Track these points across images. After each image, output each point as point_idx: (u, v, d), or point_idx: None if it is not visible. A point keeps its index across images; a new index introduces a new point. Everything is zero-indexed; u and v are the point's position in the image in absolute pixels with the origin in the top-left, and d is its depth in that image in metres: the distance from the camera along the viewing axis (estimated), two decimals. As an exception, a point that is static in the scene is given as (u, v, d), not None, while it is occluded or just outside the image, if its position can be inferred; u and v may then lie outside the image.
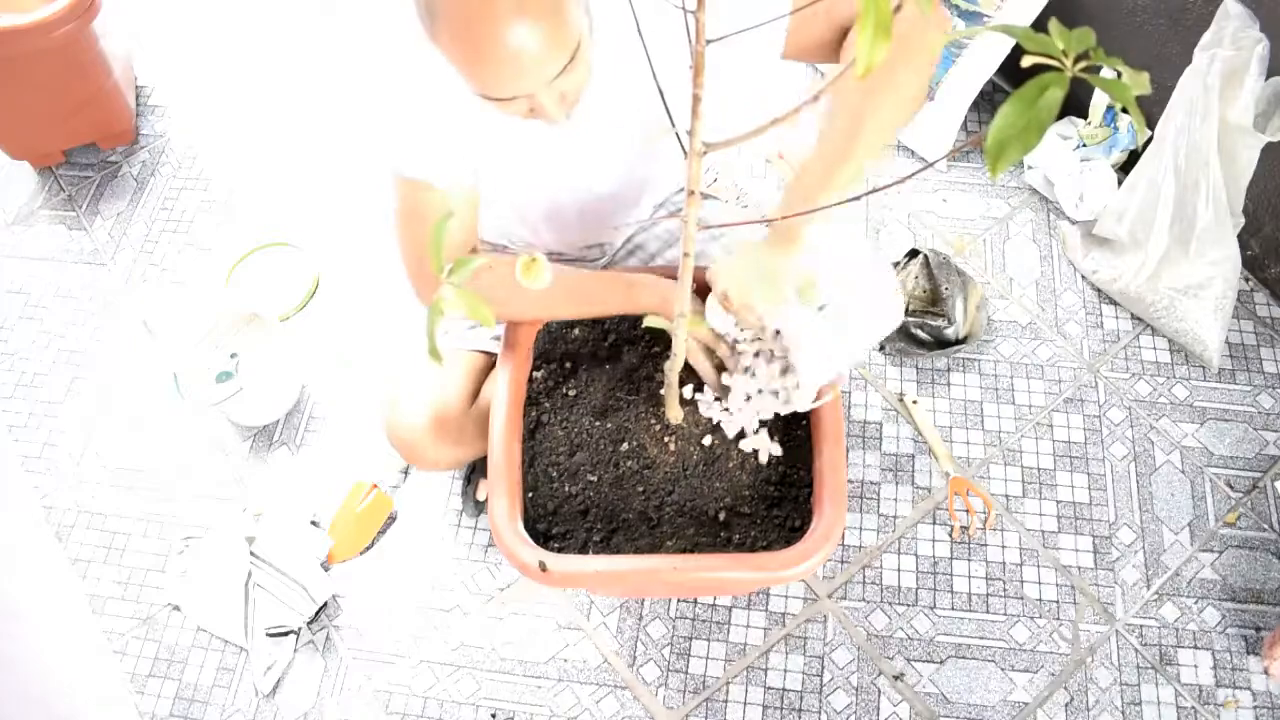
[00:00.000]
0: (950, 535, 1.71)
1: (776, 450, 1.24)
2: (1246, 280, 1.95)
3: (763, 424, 1.26)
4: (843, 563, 1.70)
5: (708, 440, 1.29)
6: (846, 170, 1.12)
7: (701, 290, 1.24)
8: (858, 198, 0.81)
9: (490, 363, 1.51)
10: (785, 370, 1.20)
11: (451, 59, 0.99)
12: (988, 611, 1.65)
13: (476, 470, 1.76)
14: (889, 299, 1.20)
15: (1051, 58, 0.48)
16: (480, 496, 1.74)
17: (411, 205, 1.22)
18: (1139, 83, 0.48)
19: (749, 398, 1.22)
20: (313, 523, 1.77)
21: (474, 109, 1.11)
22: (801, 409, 1.20)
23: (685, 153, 0.79)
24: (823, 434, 1.24)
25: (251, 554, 1.71)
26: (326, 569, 1.73)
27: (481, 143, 1.20)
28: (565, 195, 1.35)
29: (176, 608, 1.72)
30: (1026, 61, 0.49)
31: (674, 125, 0.86)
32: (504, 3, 0.93)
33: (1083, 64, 0.48)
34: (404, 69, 1.16)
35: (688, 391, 1.31)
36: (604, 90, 1.15)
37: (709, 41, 0.66)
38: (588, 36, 1.03)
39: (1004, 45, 1.99)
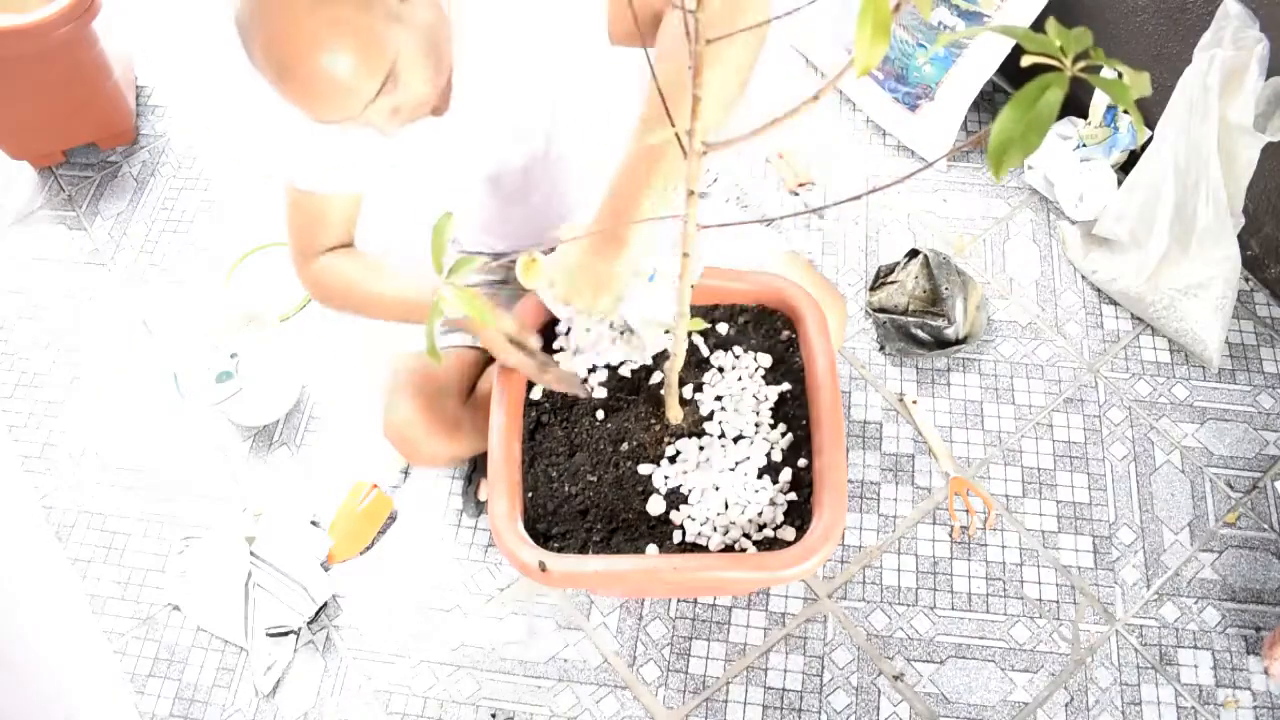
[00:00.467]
0: (950, 535, 1.71)
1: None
2: (1246, 280, 1.95)
3: (758, 427, 1.27)
4: (843, 563, 1.70)
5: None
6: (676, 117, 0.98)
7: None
8: (857, 197, 0.81)
9: (484, 357, 1.51)
10: (624, 331, 1.20)
11: (274, 87, 1.01)
12: (988, 611, 1.65)
13: (478, 470, 1.76)
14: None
15: (1051, 58, 0.48)
16: (482, 496, 1.74)
17: (294, 197, 1.31)
18: (1139, 83, 0.48)
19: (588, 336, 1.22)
20: (313, 523, 1.77)
21: None
22: (644, 360, 1.21)
23: (685, 153, 0.79)
24: (823, 434, 1.24)
25: (251, 554, 1.71)
26: (326, 569, 1.73)
27: (361, 148, 1.23)
28: (482, 194, 1.37)
29: (176, 608, 1.72)
30: (1026, 61, 0.49)
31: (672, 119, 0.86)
32: (303, 38, 0.95)
33: (1082, 64, 0.48)
34: None
35: (688, 391, 1.31)
36: (475, 79, 1.17)
37: (709, 41, 0.66)
38: (413, 53, 1.02)
39: (1004, 45, 1.99)
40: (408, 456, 1.49)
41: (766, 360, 1.34)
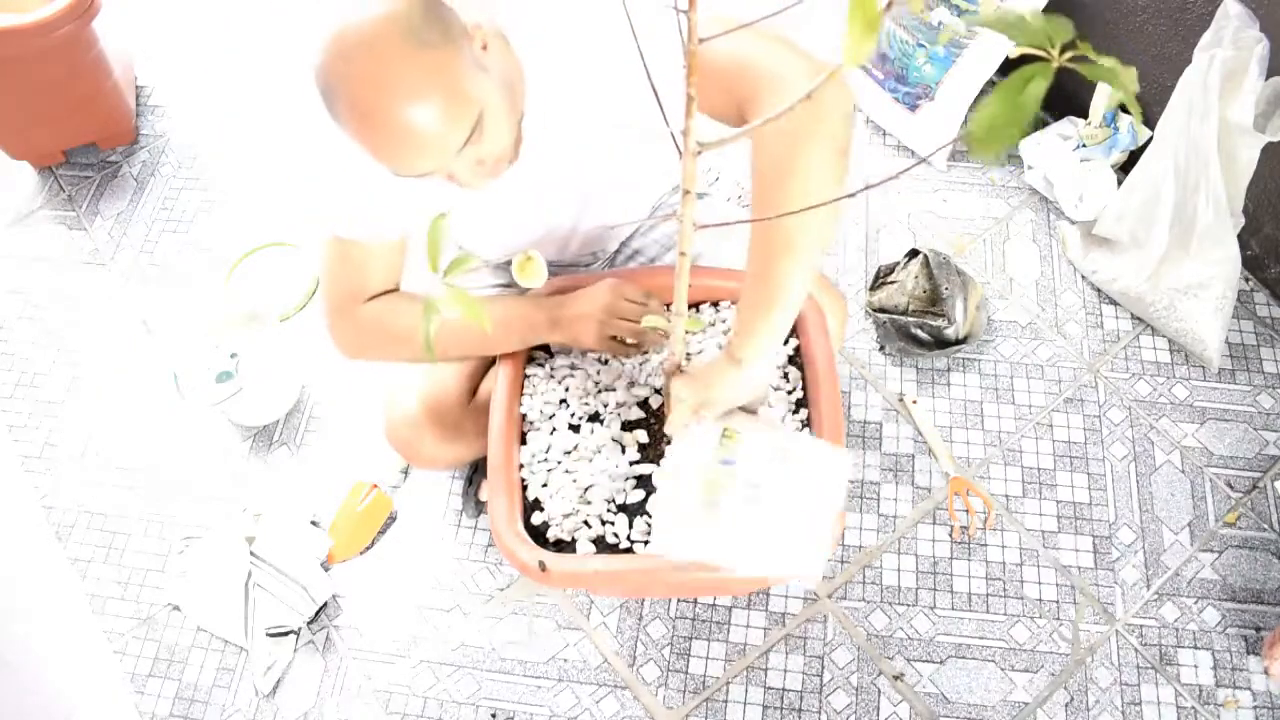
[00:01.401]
0: (950, 535, 1.71)
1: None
2: (1246, 280, 1.95)
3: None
4: (843, 563, 1.70)
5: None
6: (785, 234, 1.03)
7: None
8: (854, 194, 0.81)
9: (486, 360, 1.51)
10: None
11: (353, 140, 0.99)
12: (988, 611, 1.65)
13: (478, 470, 1.76)
14: (809, 548, 1.10)
15: (1039, 49, 0.48)
16: (483, 496, 1.74)
17: (339, 248, 1.24)
18: (1126, 79, 0.48)
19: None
20: (313, 523, 1.77)
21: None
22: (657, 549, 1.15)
23: (680, 152, 0.79)
24: (823, 434, 1.24)
25: (251, 554, 1.71)
26: (326, 569, 1.73)
27: (427, 200, 1.21)
28: (539, 233, 1.37)
29: (176, 608, 1.72)
30: (1014, 52, 0.50)
31: (669, 124, 0.86)
32: (394, 88, 0.94)
33: (1069, 54, 0.48)
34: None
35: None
36: (546, 128, 1.16)
37: (702, 40, 0.66)
38: (498, 102, 1.03)
39: (1003, 45, 1.99)
40: (409, 459, 1.49)
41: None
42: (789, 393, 1.31)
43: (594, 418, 1.32)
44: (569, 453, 1.29)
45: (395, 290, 1.31)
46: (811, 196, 0.99)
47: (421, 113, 0.95)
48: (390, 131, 0.96)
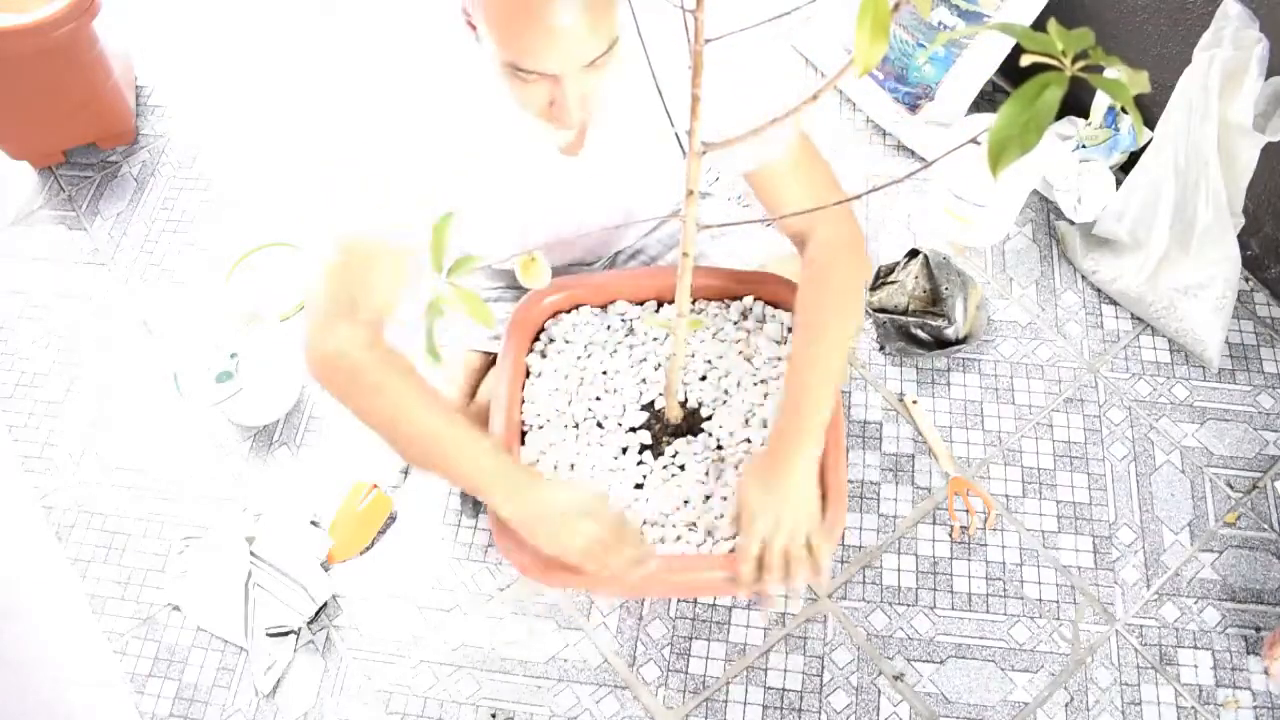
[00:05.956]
0: (950, 535, 1.71)
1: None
2: (1246, 280, 1.95)
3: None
4: (843, 563, 1.70)
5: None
6: (823, 369, 1.19)
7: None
8: (858, 196, 0.81)
9: (487, 362, 1.51)
10: None
11: (493, 12, 0.97)
12: (988, 611, 1.65)
13: None
14: None
15: (1051, 57, 0.48)
16: None
17: (345, 247, 1.18)
18: (1137, 82, 0.48)
19: None
20: (313, 523, 1.77)
21: (477, 147, 1.14)
22: None
23: (685, 153, 0.79)
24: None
25: (251, 554, 1.71)
26: (326, 569, 1.73)
27: (478, 188, 1.21)
28: (568, 227, 1.36)
29: (176, 608, 1.72)
30: (1025, 60, 0.49)
31: (674, 125, 0.86)
32: None
33: (1082, 63, 0.48)
34: (405, 109, 1.16)
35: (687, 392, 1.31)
36: (609, 126, 1.17)
37: (708, 41, 0.66)
38: (620, 46, 1.02)
39: (1004, 45, 1.99)
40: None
41: (766, 360, 1.34)
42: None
43: (595, 419, 1.32)
44: (569, 453, 1.29)
45: (392, 351, 1.21)
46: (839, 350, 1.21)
47: (578, 6, 0.94)
48: (543, 14, 0.94)
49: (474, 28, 1.02)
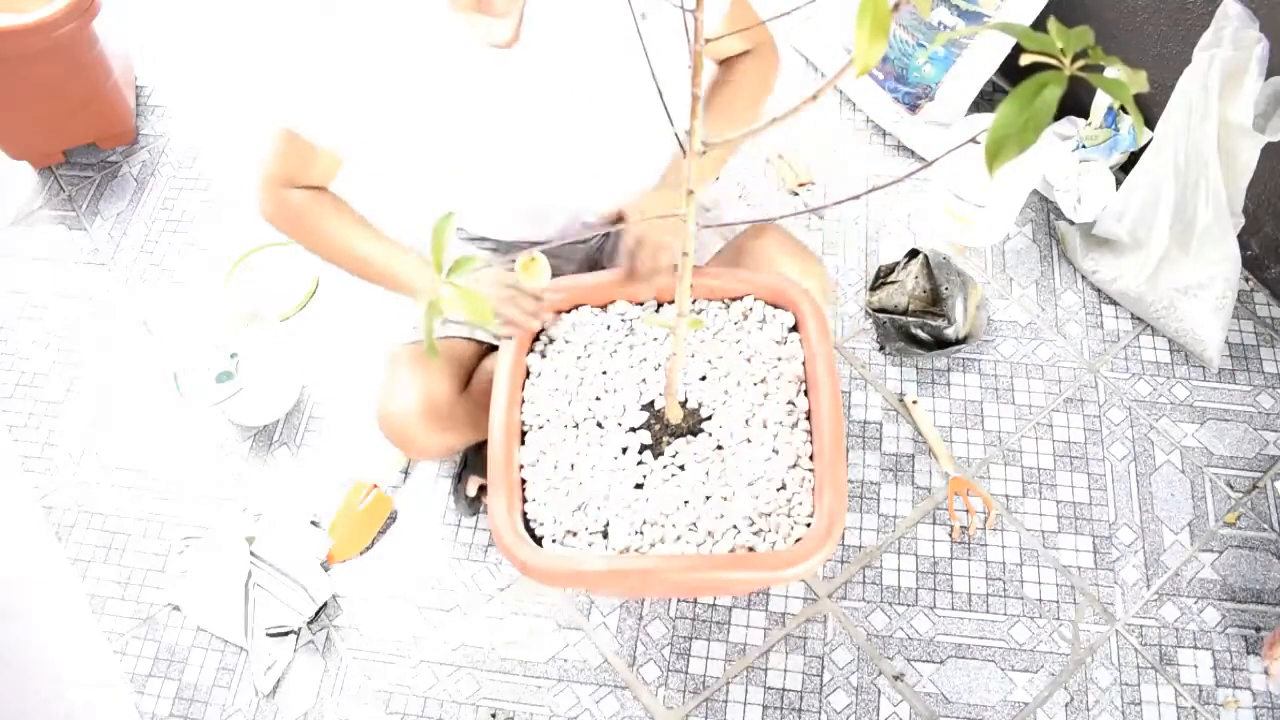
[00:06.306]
0: (950, 535, 1.71)
1: None
2: (1246, 280, 1.95)
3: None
4: (843, 563, 1.70)
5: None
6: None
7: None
8: (857, 197, 0.81)
9: (478, 349, 1.51)
10: None
11: None
12: (988, 611, 1.65)
13: (468, 467, 1.76)
14: None
15: (1050, 56, 0.48)
16: (471, 492, 1.74)
17: (286, 138, 1.31)
18: (1137, 81, 0.48)
19: None
20: (313, 523, 1.77)
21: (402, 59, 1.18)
22: None
23: (684, 151, 0.79)
24: (823, 434, 1.24)
25: (251, 554, 1.71)
26: (326, 569, 1.73)
27: (378, 111, 1.25)
28: (520, 138, 1.33)
29: (176, 608, 1.72)
30: (1025, 60, 0.49)
31: (672, 123, 0.86)
32: None
33: (1081, 62, 0.48)
34: (320, 27, 1.22)
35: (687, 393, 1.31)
36: (547, 20, 1.17)
37: (708, 40, 0.66)
38: None
39: (1004, 45, 1.99)
40: (402, 448, 1.49)
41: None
42: (789, 399, 1.31)
43: (595, 419, 1.32)
44: (569, 453, 1.29)
45: (325, 190, 1.39)
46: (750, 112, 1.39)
47: None
48: None
49: None
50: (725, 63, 1.43)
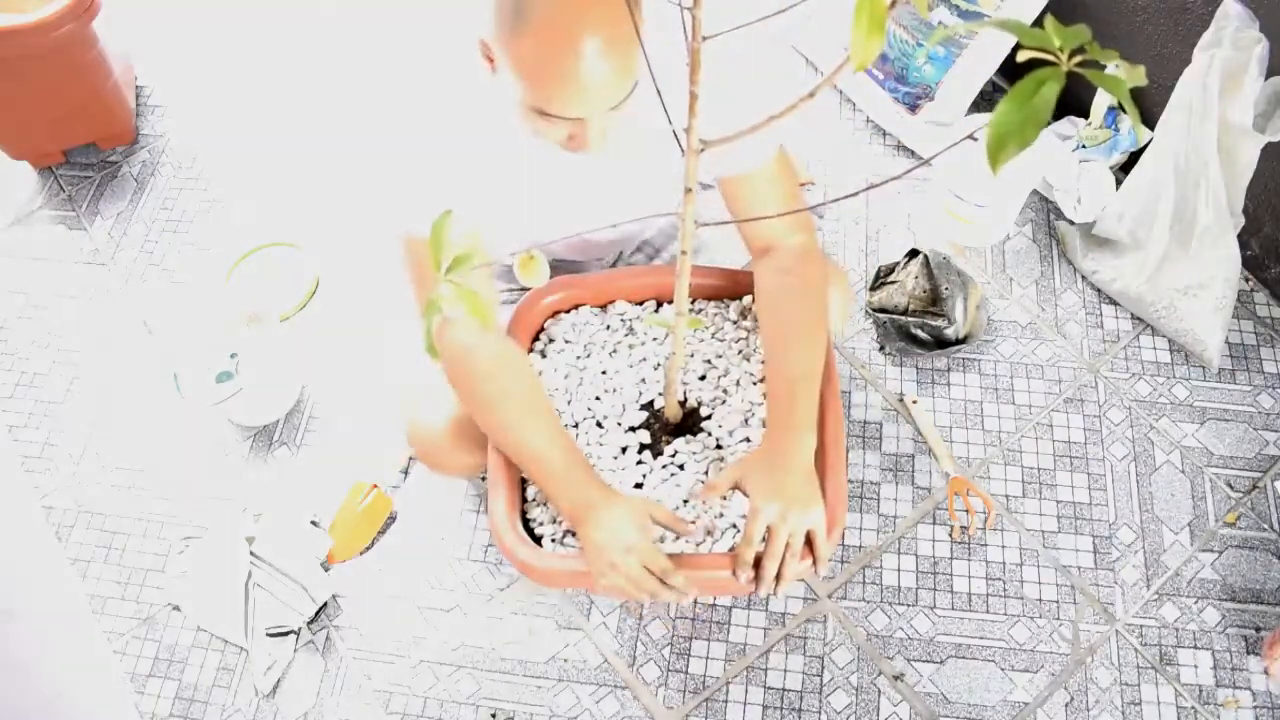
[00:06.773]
0: (950, 535, 1.71)
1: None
2: (1246, 280, 1.95)
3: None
4: (843, 563, 1.70)
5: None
6: (795, 362, 1.22)
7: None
8: (856, 194, 0.81)
9: None
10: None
11: (523, 65, 0.99)
12: (988, 611, 1.65)
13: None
14: None
15: (1048, 53, 0.48)
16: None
17: (418, 250, 1.23)
18: (1134, 76, 0.48)
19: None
20: (313, 523, 1.77)
21: (502, 157, 1.16)
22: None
23: (683, 151, 0.79)
24: (823, 435, 1.24)
25: (251, 554, 1.71)
26: (326, 569, 1.73)
27: (505, 193, 1.23)
28: (578, 225, 1.36)
29: (176, 608, 1.72)
30: (1022, 56, 0.49)
31: (671, 124, 0.86)
32: (593, 20, 0.95)
33: (1078, 59, 0.48)
34: (432, 114, 1.19)
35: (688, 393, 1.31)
36: (629, 135, 1.17)
37: (705, 38, 0.66)
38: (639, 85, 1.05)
39: (1004, 44, 1.99)
40: (432, 466, 1.48)
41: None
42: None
43: (595, 419, 1.32)
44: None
45: (512, 345, 1.29)
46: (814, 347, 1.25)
47: (607, 55, 0.96)
48: (573, 61, 0.96)
49: (492, 61, 1.03)
50: (763, 264, 1.30)
